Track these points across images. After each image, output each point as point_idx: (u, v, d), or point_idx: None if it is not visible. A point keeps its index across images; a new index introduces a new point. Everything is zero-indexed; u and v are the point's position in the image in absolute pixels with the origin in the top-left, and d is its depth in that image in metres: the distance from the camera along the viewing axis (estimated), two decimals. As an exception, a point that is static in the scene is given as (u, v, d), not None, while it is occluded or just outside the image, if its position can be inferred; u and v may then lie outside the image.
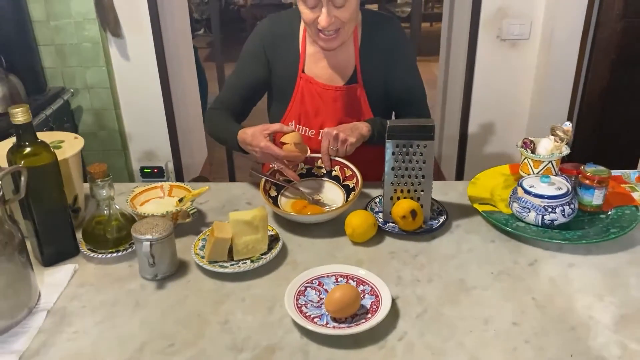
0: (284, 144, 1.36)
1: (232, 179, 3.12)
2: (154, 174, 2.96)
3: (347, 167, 1.40)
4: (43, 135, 1.16)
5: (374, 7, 6.89)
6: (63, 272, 1.14)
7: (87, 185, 1.28)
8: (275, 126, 1.38)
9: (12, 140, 1.11)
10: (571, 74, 2.68)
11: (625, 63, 2.63)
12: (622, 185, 1.39)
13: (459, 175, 3.00)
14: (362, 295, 1.03)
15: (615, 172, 1.44)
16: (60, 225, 1.17)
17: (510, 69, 2.77)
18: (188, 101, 3.35)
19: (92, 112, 2.83)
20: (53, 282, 1.11)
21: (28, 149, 1.07)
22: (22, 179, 1.00)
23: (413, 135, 1.22)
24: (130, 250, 1.19)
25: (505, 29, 2.68)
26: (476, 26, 2.67)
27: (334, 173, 1.43)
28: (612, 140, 2.77)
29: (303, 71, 1.53)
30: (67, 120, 2.68)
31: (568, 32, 2.58)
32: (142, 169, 2.96)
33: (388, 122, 1.23)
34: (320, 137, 1.52)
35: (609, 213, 1.28)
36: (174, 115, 2.87)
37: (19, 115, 1.04)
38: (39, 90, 2.61)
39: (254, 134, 1.37)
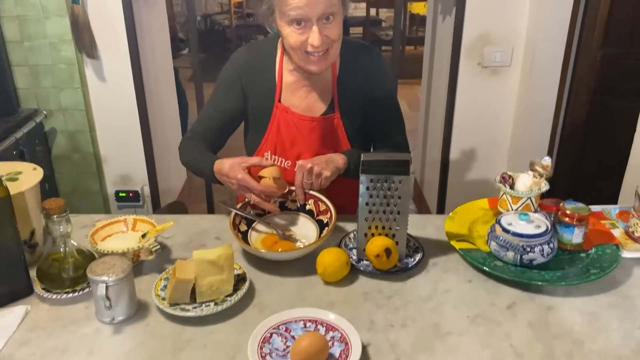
0: (262, 177, 1.31)
1: (210, 203, 3.05)
2: (129, 198, 2.88)
3: (322, 201, 1.35)
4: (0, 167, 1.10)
5: (358, 30, 6.92)
6: (13, 314, 1.07)
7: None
8: (254, 159, 1.33)
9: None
10: (552, 101, 2.67)
11: (605, 92, 2.62)
12: (603, 222, 1.35)
13: (441, 200, 2.97)
14: (330, 343, 0.98)
15: (595, 208, 1.41)
16: (13, 264, 1.10)
17: (491, 95, 2.75)
18: (166, 123, 3.29)
19: (66, 134, 2.75)
20: (1, 325, 1.04)
21: (-23, 184, 1.01)
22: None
23: (388, 170, 1.17)
24: (87, 290, 1.12)
25: (486, 56, 2.67)
26: (458, 52, 2.66)
27: (307, 207, 1.38)
28: (594, 168, 2.75)
29: (279, 101, 1.48)
30: (39, 142, 2.60)
31: (549, 59, 2.58)
32: (117, 192, 2.88)
33: (362, 155, 1.18)
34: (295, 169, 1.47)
35: (590, 252, 1.24)
36: (150, 137, 2.81)
37: (-32, 148, 0.98)
38: (11, 111, 2.53)
39: (231, 166, 1.31)
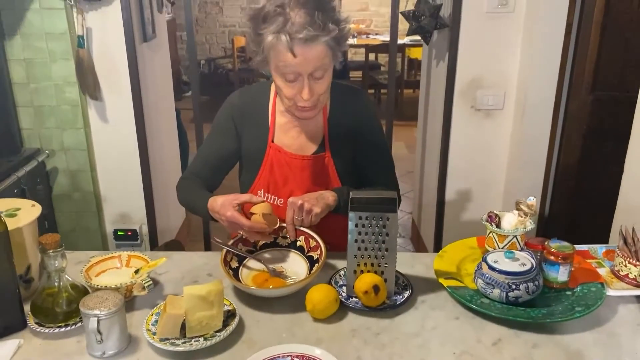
0: (253, 214, 1.34)
1: (208, 242, 3.07)
2: (127, 236, 2.91)
3: (312, 237, 1.38)
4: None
5: (358, 74, 7.07)
6: (6, 347, 1.08)
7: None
8: (245, 196, 1.37)
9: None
10: (545, 143, 2.73)
11: (596, 134, 2.68)
12: (589, 261, 1.38)
13: (438, 240, 2.99)
14: (317, 377, 0.99)
15: (582, 247, 1.44)
16: (8, 298, 1.12)
17: (485, 137, 2.81)
18: (167, 163, 3.35)
19: (68, 173, 2.80)
20: (-6, 359, 1.06)
21: (-24, 219, 1.04)
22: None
23: (376, 208, 1.20)
24: (80, 324, 1.14)
25: (479, 99, 2.74)
26: (451, 96, 2.73)
27: (298, 243, 1.41)
28: (588, 209, 2.78)
29: (272, 141, 1.53)
30: (40, 181, 2.65)
31: (540, 103, 2.64)
32: (115, 231, 2.91)
33: (351, 193, 1.22)
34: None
35: (575, 290, 1.25)
36: (150, 177, 2.85)
37: (-31, 184, 1.02)
38: (14, 151, 2.59)
39: (223, 203, 1.35)
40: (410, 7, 2.72)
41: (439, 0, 2.73)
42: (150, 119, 2.89)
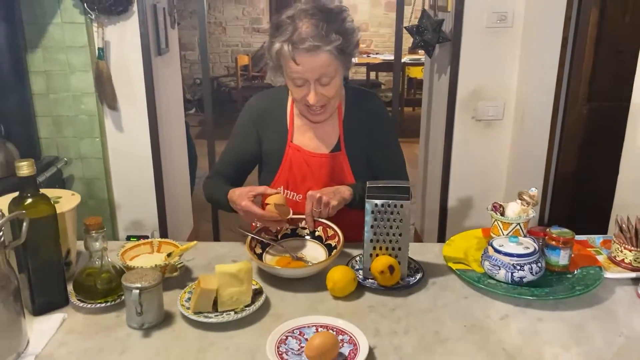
0: (268, 204, 1.44)
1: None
2: (140, 243, 2.99)
3: (330, 227, 1.48)
4: (43, 191, 1.24)
5: (359, 91, 7.22)
6: (52, 320, 1.17)
7: (80, 242, 1.34)
8: (260, 189, 1.49)
9: (13, 195, 1.18)
10: (543, 152, 2.84)
11: (593, 143, 2.80)
12: (588, 249, 1.48)
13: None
14: (340, 344, 1.08)
15: (581, 237, 1.54)
16: (54, 277, 1.22)
17: (486, 147, 2.93)
18: (177, 173, 3.45)
19: (84, 181, 2.91)
20: (42, 329, 1.14)
21: (29, 200, 1.14)
22: (24, 224, 1.06)
23: (390, 196, 1.31)
24: (118, 301, 1.23)
25: (480, 110, 2.86)
26: (453, 108, 2.85)
27: (317, 233, 1.51)
28: (585, 215, 2.87)
29: (292, 141, 1.64)
30: (58, 187, 2.74)
31: (538, 113, 2.77)
32: (128, 237, 3.00)
33: (368, 183, 1.32)
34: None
35: (575, 273, 1.35)
36: (163, 186, 2.95)
37: (24, 168, 1.12)
38: (34, 158, 2.68)
39: (240, 194, 1.47)
40: (414, 22, 2.86)
41: (440, 15, 2.87)
42: (162, 129, 3.00)
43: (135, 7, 2.64)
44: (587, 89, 2.73)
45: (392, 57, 6.66)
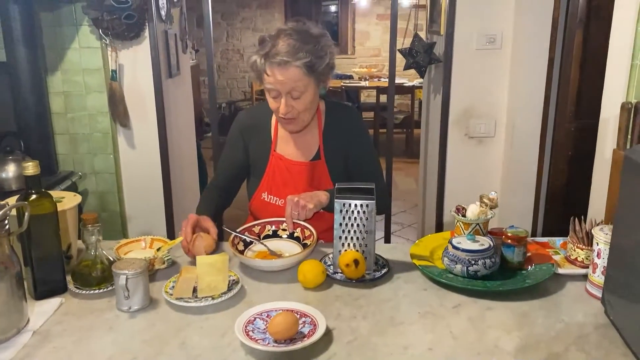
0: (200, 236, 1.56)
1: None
2: (149, 254, 3.15)
3: (307, 228, 1.62)
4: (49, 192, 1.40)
5: (370, 114, 7.38)
6: (51, 303, 1.33)
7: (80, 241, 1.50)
8: (202, 222, 1.61)
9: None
10: (534, 167, 2.94)
11: (581, 159, 2.88)
12: (547, 249, 1.58)
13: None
14: (302, 325, 1.21)
15: (543, 239, 1.65)
16: (53, 266, 1.37)
17: (478, 163, 3.04)
18: (187, 189, 3.62)
19: (97, 194, 3.09)
20: (41, 311, 1.30)
21: (34, 197, 1.31)
22: (26, 214, 1.22)
23: (357, 196, 1.44)
24: (110, 288, 1.38)
25: (472, 128, 2.99)
26: (446, 125, 2.98)
27: (295, 234, 1.64)
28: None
29: (275, 150, 1.80)
30: (73, 200, 2.93)
31: (528, 130, 2.88)
32: (138, 248, 3.16)
33: (337, 184, 1.46)
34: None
35: (529, 269, 1.46)
36: (172, 200, 3.12)
37: (30, 168, 1.29)
38: (51, 172, 2.89)
39: (189, 218, 1.60)
40: (407, 45, 3.01)
41: (433, 38, 3.03)
42: (172, 147, 3.19)
43: (146, 33, 2.84)
44: (574, 107, 2.83)
45: (402, 81, 6.87)
